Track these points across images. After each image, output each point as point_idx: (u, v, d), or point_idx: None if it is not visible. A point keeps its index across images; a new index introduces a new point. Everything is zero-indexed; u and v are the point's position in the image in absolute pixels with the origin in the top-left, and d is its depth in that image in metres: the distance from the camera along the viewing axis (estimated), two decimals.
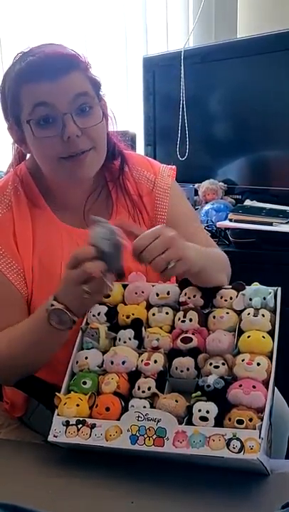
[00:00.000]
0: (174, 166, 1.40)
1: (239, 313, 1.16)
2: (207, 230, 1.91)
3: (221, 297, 1.19)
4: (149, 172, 1.36)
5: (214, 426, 0.99)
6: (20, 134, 1.22)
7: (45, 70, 1.14)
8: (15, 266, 1.23)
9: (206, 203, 2.23)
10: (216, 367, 1.07)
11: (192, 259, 1.10)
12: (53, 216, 1.27)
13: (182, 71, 2.27)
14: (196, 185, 2.30)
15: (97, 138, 1.19)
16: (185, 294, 1.21)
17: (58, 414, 1.08)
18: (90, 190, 1.30)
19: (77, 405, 1.07)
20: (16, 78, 1.17)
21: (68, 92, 1.15)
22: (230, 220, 1.99)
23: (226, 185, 2.27)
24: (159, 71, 2.39)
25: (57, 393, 1.10)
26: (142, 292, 1.24)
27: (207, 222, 2.08)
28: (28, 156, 1.33)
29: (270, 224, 1.90)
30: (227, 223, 1.99)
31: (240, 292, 1.18)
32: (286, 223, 1.90)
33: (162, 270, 1.06)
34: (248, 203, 2.12)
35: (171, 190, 1.35)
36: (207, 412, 1.00)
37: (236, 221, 1.97)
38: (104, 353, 1.16)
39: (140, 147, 2.45)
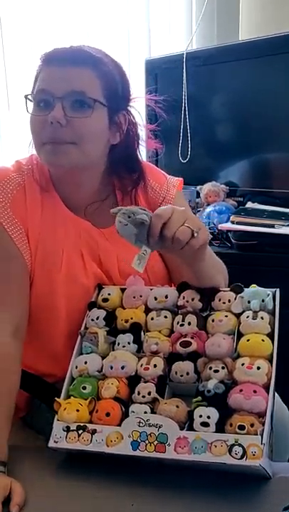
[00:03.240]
0: (181, 179, 1.43)
1: (238, 316, 1.15)
2: (209, 232, 1.91)
3: (220, 300, 1.19)
4: (157, 183, 1.38)
5: (215, 431, 0.98)
6: None
7: (59, 58, 1.19)
8: (26, 241, 1.24)
9: (208, 205, 2.22)
10: (216, 371, 1.06)
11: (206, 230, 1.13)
12: (61, 204, 1.29)
13: (184, 73, 2.27)
14: (198, 187, 2.29)
15: (82, 134, 1.19)
16: (183, 298, 1.21)
17: (58, 420, 1.08)
18: (94, 194, 1.31)
19: (77, 410, 1.07)
20: (41, 62, 1.22)
21: (69, 82, 1.17)
22: (232, 223, 1.99)
23: (227, 187, 2.27)
24: (161, 73, 2.38)
25: (56, 398, 1.10)
26: (140, 296, 1.24)
27: (209, 225, 2.07)
28: None
29: (272, 226, 1.89)
30: (229, 225, 1.99)
31: (239, 295, 1.18)
32: (288, 226, 1.89)
33: (187, 241, 1.07)
34: (249, 205, 2.12)
35: (175, 201, 1.35)
36: (208, 417, 0.99)
37: (238, 223, 1.97)
38: (103, 357, 1.16)
39: (142, 149, 2.44)
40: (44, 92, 1.18)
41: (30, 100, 1.21)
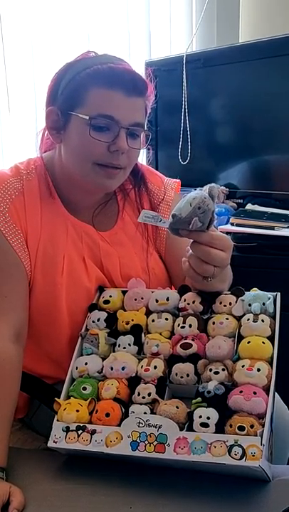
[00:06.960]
0: (178, 180, 1.44)
1: (239, 318, 1.16)
2: None
3: (220, 303, 1.19)
4: (155, 185, 1.40)
5: (215, 432, 0.98)
6: (61, 122, 1.23)
7: (125, 83, 1.18)
8: (25, 247, 1.24)
9: None
10: (216, 373, 1.07)
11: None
12: (62, 208, 1.29)
13: (184, 75, 2.27)
14: (198, 189, 2.29)
15: (132, 161, 1.25)
16: (184, 300, 1.21)
17: (57, 420, 1.07)
18: (100, 199, 1.32)
19: (77, 411, 1.07)
20: (92, 76, 1.19)
21: (134, 113, 1.20)
22: (232, 224, 1.98)
23: (227, 189, 2.26)
24: (161, 75, 2.38)
25: (56, 399, 1.10)
26: (142, 298, 1.24)
27: None
28: (46, 153, 1.33)
29: (272, 228, 1.89)
30: (229, 227, 1.99)
31: (240, 298, 1.18)
32: (288, 227, 1.89)
33: (200, 274, 1.12)
34: (249, 207, 2.11)
35: (173, 204, 1.36)
36: (208, 418, 0.99)
37: (238, 225, 1.96)
38: (103, 359, 1.16)
39: (142, 151, 2.44)
40: (111, 118, 1.17)
41: (83, 117, 1.18)
